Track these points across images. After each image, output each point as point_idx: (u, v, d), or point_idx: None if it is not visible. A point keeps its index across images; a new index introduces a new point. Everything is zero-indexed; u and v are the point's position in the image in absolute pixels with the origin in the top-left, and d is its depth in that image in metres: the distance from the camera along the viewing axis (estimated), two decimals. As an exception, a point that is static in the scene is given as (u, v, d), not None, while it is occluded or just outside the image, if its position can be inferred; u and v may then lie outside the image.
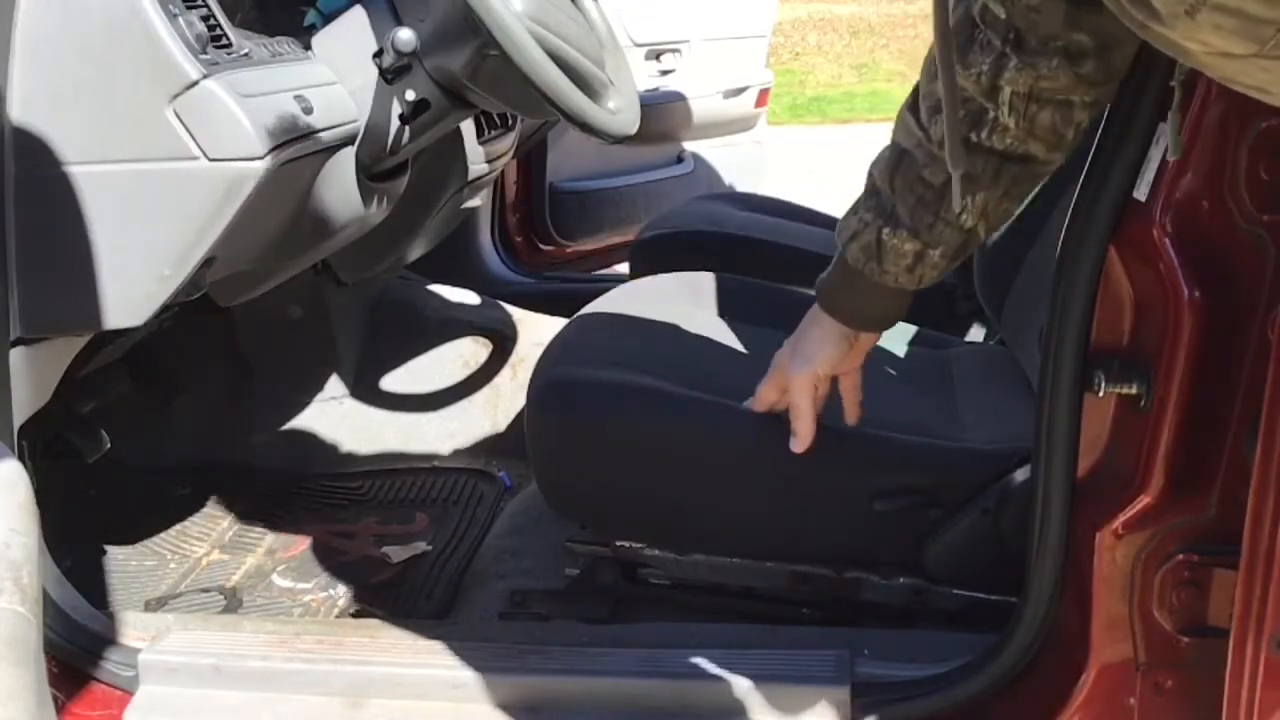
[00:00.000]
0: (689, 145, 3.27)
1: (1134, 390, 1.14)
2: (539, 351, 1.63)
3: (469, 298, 2.41)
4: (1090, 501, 1.20)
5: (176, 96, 1.24)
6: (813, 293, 1.37)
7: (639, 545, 1.51)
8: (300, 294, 2.05)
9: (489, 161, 2.03)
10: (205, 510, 1.98)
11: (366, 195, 1.57)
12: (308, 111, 1.38)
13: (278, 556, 1.85)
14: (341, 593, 1.65)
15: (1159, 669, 1.20)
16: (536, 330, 2.31)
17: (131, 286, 1.28)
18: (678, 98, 3.10)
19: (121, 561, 1.82)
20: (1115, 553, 1.17)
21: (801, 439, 1.36)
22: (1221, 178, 1.08)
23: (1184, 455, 1.13)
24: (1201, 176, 1.08)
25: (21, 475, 0.82)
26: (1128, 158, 1.12)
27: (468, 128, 1.95)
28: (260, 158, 1.26)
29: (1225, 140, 1.07)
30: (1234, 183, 1.08)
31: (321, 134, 1.40)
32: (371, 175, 1.58)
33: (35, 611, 0.74)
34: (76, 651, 1.38)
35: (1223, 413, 1.10)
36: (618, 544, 1.52)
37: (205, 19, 1.32)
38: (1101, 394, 1.15)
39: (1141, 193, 1.12)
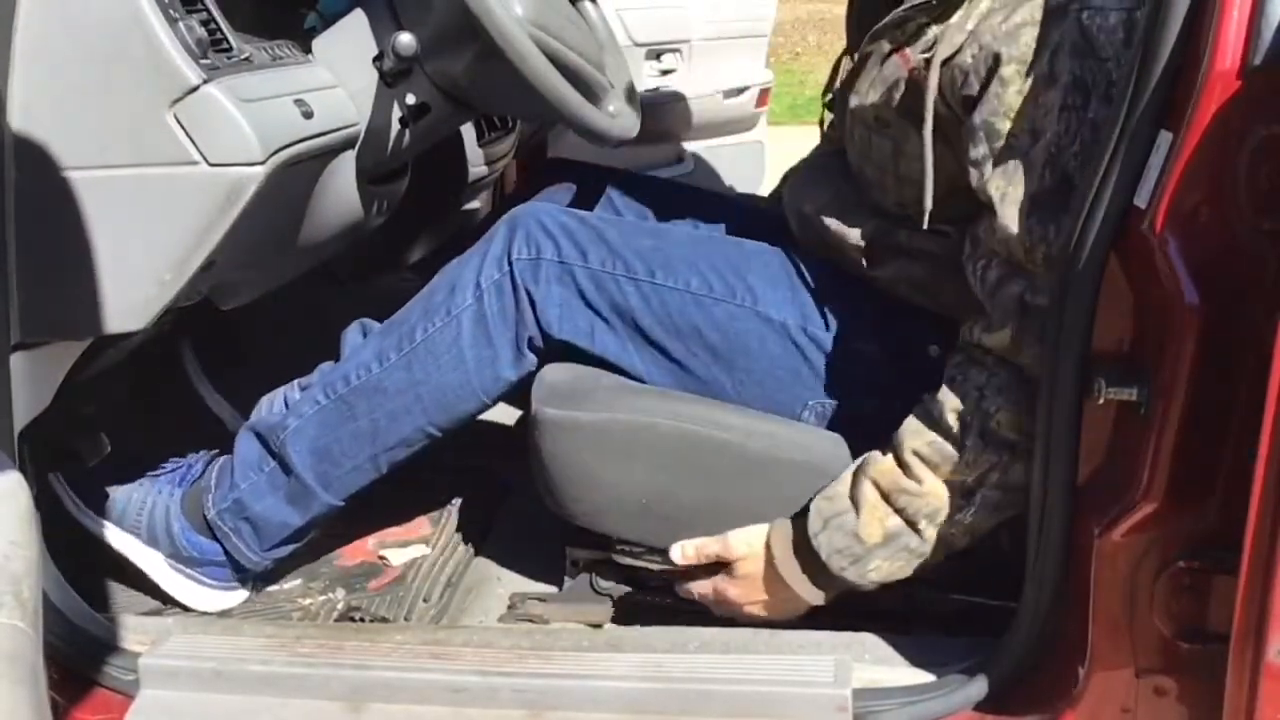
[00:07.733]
0: (689, 145, 3.26)
1: (1134, 396, 1.14)
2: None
3: (469, 299, 2.39)
4: (1090, 507, 1.20)
5: (177, 101, 1.24)
6: None
7: (639, 549, 1.51)
8: (299, 296, 2.05)
9: (489, 164, 2.03)
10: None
11: (366, 199, 1.57)
12: (308, 115, 1.38)
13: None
14: (341, 596, 1.65)
15: (1158, 674, 1.20)
16: (537, 331, 2.30)
17: (132, 291, 1.28)
18: (678, 98, 3.10)
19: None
20: (1115, 558, 1.17)
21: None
22: (1222, 184, 1.08)
23: (1184, 461, 1.13)
24: (1202, 183, 1.08)
25: (22, 486, 0.81)
26: (1128, 164, 1.12)
27: (468, 130, 1.95)
28: (260, 162, 1.26)
29: (1225, 147, 1.07)
30: (1234, 189, 1.08)
31: (322, 138, 1.40)
32: (372, 179, 1.57)
33: (35, 625, 0.73)
34: (77, 656, 1.38)
35: (1222, 419, 1.10)
36: (618, 547, 1.52)
37: (205, 23, 1.32)
38: (1101, 400, 1.15)
39: (1142, 199, 1.12)
